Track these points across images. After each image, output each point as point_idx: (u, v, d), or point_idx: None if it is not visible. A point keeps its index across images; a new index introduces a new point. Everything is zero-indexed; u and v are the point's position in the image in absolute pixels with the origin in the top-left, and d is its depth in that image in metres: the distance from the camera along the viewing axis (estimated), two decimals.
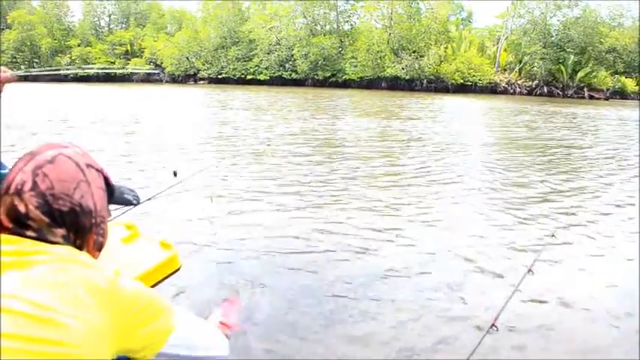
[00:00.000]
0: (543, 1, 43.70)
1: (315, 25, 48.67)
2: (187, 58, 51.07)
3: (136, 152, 8.37)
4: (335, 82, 45.45)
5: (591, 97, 42.33)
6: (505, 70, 45.57)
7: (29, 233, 0.89)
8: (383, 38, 44.12)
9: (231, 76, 49.00)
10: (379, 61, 43.50)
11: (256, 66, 48.28)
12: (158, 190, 3.19)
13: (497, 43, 47.07)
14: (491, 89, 43.02)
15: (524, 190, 6.33)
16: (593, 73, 43.28)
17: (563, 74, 43.27)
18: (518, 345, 2.64)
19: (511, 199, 5.87)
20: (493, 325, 1.68)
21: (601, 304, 3.18)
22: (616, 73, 44.52)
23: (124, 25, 60.35)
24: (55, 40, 56.58)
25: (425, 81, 42.61)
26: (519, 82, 44.18)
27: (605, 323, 2.95)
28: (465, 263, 3.77)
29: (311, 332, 2.71)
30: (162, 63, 52.21)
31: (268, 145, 9.50)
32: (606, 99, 42.35)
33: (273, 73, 47.41)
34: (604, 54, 44.60)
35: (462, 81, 42.39)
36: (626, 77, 44.96)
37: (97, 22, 60.38)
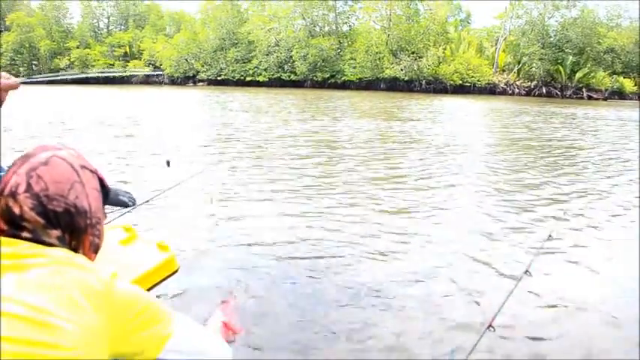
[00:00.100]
0: (541, 1, 43.79)
1: (314, 26, 48.73)
2: (186, 60, 51.09)
3: (135, 154, 8.37)
4: (334, 83, 45.50)
5: (590, 98, 42.40)
6: (504, 70, 45.64)
7: (24, 235, 0.89)
8: (382, 39, 44.17)
9: (231, 78, 49.03)
10: (378, 62, 43.56)
11: (255, 67, 48.32)
12: (156, 192, 3.19)
13: (496, 44, 47.13)
14: (490, 90, 43.08)
15: (523, 191, 6.33)
16: (592, 74, 43.37)
17: (562, 75, 43.35)
18: (516, 346, 2.64)
19: (511, 200, 5.88)
20: (490, 325, 1.68)
21: (599, 304, 3.18)
22: (614, 73, 44.63)
23: (122, 27, 60.39)
24: (54, 42, 56.65)
25: (424, 82, 42.67)
26: (518, 82, 44.24)
27: (603, 324, 2.95)
28: (463, 264, 3.77)
29: (309, 333, 2.70)
30: (161, 65, 52.25)
31: (266, 147, 9.49)
32: (605, 99, 42.44)
33: (272, 74, 47.45)
34: (602, 54, 44.70)
35: (460, 82, 42.46)
36: (624, 77, 45.07)
37: (96, 24, 60.44)
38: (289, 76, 47.09)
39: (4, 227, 0.90)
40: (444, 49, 44.32)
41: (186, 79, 51.55)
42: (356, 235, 4.36)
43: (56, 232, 0.93)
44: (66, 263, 0.86)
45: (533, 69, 43.26)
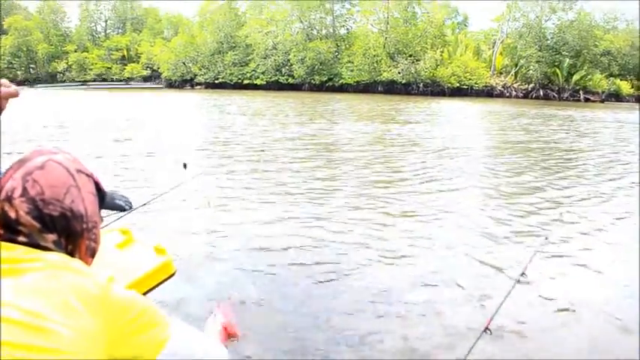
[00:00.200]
0: (538, 4, 43.95)
1: (312, 29, 48.80)
2: (184, 63, 51.11)
3: (133, 158, 8.36)
4: (332, 86, 45.54)
5: (587, 100, 42.53)
6: (501, 73, 45.75)
7: (20, 239, 0.89)
8: (379, 42, 44.27)
9: (228, 81, 49.07)
10: (375, 65, 43.63)
11: (253, 71, 48.36)
12: (154, 195, 3.18)
13: (493, 47, 47.28)
14: (488, 93, 43.16)
15: (524, 194, 6.35)
16: (589, 76, 43.52)
17: (559, 77, 43.50)
18: (513, 348, 2.64)
19: (512, 203, 5.90)
20: (487, 328, 1.68)
21: (598, 306, 3.18)
22: (611, 75, 44.82)
23: (120, 31, 60.37)
24: (52, 45, 56.61)
25: (421, 85, 42.75)
26: (515, 85, 44.34)
27: (603, 325, 2.95)
28: (463, 266, 3.78)
29: (308, 334, 2.70)
30: (158, 68, 52.28)
31: (262, 150, 9.48)
32: (602, 101, 42.61)
33: (270, 77, 47.48)
34: (599, 57, 44.88)
35: (458, 84, 42.55)
36: (620, 80, 45.28)
37: (94, 28, 60.42)
38: (287, 80, 47.12)
39: (0, 232, 0.90)
40: (442, 51, 44.41)
41: (184, 83, 51.56)
42: (356, 239, 4.36)
43: (52, 237, 0.93)
44: (62, 267, 0.86)
45: (531, 71, 43.38)
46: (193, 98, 31.57)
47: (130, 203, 1.24)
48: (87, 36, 58.50)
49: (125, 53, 56.19)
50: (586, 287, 3.50)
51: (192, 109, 22.54)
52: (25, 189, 0.90)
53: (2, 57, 53.51)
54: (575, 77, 42.99)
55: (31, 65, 57.18)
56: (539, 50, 43.33)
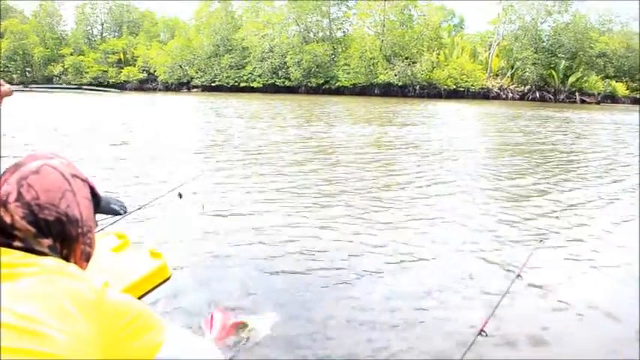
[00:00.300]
0: (534, 6, 44.17)
1: (308, 32, 48.88)
2: (180, 66, 51.09)
3: (129, 162, 8.34)
4: (328, 89, 45.62)
5: (583, 102, 42.79)
6: (497, 75, 45.96)
7: (16, 244, 0.89)
8: (375, 45, 44.38)
9: (225, 84, 49.06)
10: (372, 67, 43.74)
11: (249, 73, 48.38)
12: (150, 199, 3.18)
13: (489, 49, 47.48)
14: (484, 95, 43.33)
15: (524, 196, 6.36)
16: (584, 78, 43.78)
17: (555, 79, 43.71)
18: (508, 350, 2.65)
19: (509, 205, 5.90)
20: (482, 330, 1.69)
21: (597, 305, 3.19)
22: (606, 77, 45.11)
23: (116, 34, 60.27)
24: (48, 48, 56.53)
25: (417, 87, 42.87)
26: (511, 87, 44.55)
27: (600, 325, 2.96)
28: (458, 267, 3.78)
29: (306, 336, 2.70)
30: (155, 71, 52.23)
31: (260, 153, 9.47)
32: (597, 103, 42.85)
33: (267, 80, 47.51)
34: (594, 59, 45.17)
35: (454, 87, 42.69)
36: (616, 81, 45.60)
37: (90, 31, 60.31)
38: (283, 82, 47.17)
39: None
40: (438, 54, 44.59)
41: (181, 86, 51.53)
42: (350, 241, 4.36)
43: (47, 241, 0.93)
44: (57, 272, 0.87)
45: (527, 73, 43.58)
46: (190, 101, 31.55)
47: (125, 208, 1.24)
48: (83, 39, 58.39)
49: (121, 56, 56.11)
50: (586, 287, 3.51)
51: (189, 112, 22.52)
52: (20, 193, 0.90)
53: None
54: (571, 79, 43.24)
55: (27, 68, 57.04)
56: (535, 52, 43.56)
